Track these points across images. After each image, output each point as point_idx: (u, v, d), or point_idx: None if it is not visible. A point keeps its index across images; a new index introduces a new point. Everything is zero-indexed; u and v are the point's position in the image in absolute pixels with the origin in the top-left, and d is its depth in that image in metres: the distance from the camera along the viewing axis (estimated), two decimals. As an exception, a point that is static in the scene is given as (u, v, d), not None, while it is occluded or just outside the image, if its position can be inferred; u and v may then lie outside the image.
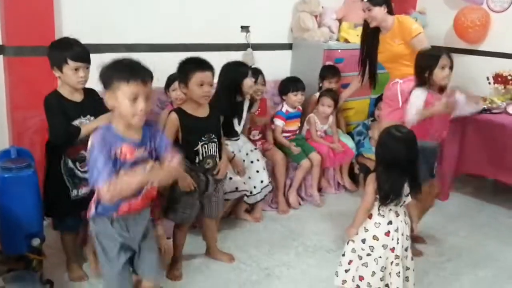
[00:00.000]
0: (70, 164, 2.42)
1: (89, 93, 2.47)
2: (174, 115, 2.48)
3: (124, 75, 1.75)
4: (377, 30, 3.46)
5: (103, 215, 1.90)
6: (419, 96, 2.88)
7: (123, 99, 1.76)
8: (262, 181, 3.27)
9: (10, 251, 2.34)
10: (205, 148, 2.51)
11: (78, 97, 2.42)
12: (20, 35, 2.87)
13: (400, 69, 3.39)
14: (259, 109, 3.58)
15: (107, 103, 1.82)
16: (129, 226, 1.93)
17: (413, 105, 2.88)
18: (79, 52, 2.35)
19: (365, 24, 3.53)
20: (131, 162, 1.81)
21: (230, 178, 3.01)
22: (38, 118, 2.90)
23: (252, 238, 3.19)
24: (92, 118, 2.42)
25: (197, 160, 2.51)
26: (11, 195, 2.24)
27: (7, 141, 3.03)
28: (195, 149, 2.49)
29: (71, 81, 2.36)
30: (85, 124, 2.38)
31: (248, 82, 3.09)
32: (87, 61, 2.37)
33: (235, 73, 3.06)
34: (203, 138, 2.50)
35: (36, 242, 2.32)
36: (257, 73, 3.48)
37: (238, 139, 3.21)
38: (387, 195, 2.20)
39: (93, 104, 2.42)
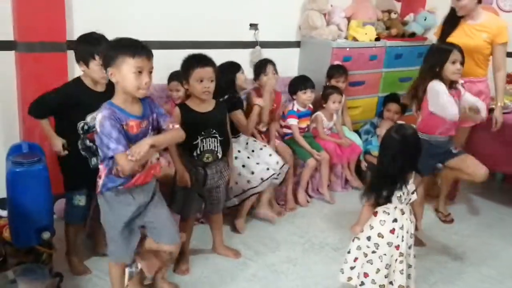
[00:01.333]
0: (88, 143, 2.46)
1: (110, 85, 2.49)
2: (177, 110, 2.55)
3: (130, 50, 1.87)
4: (459, 18, 3.40)
5: (111, 188, 2.02)
6: (440, 88, 2.86)
7: (129, 72, 1.87)
8: (277, 162, 3.26)
9: (20, 244, 2.38)
10: (204, 143, 2.54)
11: (100, 88, 2.47)
12: (32, 31, 2.91)
13: (469, 64, 3.21)
14: (275, 104, 3.60)
15: (111, 79, 1.93)
16: (135, 195, 2.07)
17: (444, 98, 2.84)
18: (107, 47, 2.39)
19: (451, 13, 3.46)
20: (136, 134, 1.96)
21: (236, 183, 3.03)
22: (49, 114, 2.95)
23: (258, 235, 3.21)
24: None
25: (195, 154, 2.55)
26: (22, 189, 2.28)
27: (18, 136, 3.07)
28: (194, 142, 2.52)
29: (96, 76, 2.41)
30: None
31: (241, 76, 3.20)
32: None
33: (227, 71, 3.14)
34: (202, 133, 2.53)
35: (46, 235, 2.36)
36: (267, 63, 3.51)
37: (239, 136, 3.26)
38: (391, 193, 2.22)
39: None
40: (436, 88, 2.88)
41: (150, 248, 2.27)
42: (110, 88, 2.48)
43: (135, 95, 1.93)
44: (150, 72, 1.93)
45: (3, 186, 2.32)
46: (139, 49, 1.89)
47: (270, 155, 3.29)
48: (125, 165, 1.90)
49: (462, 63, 2.91)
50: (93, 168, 2.47)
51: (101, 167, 2.04)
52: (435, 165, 3.14)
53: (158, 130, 2.10)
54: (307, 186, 3.80)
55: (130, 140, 1.94)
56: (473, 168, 3.04)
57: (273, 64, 3.53)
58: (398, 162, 2.21)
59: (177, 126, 2.11)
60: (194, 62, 2.48)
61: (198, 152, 2.55)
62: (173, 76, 3.30)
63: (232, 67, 3.24)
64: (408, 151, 2.23)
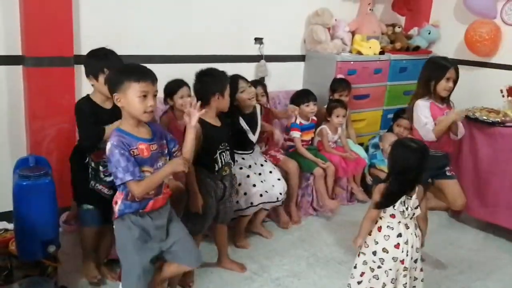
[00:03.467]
0: (94, 165, 2.50)
1: None
2: (198, 126, 2.50)
3: (135, 76, 1.92)
4: None
5: (127, 213, 2.03)
6: (422, 109, 2.96)
7: (134, 97, 1.92)
8: (280, 193, 3.26)
9: (26, 257, 2.39)
10: (223, 156, 2.59)
11: (108, 105, 2.50)
12: (39, 46, 2.95)
13: None
14: (263, 118, 3.60)
15: (117, 104, 1.98)
16: (154, 219, 2.08)
17: (423, 119, 2.95)
18: (116, 62, 2.44)
19: None
20: (148, 158, 1.99)
21: (245, 194, 3.05)
22: (55, 127, 2.99)
23: (263, 249, 3.20)
24: None
25: (216, 168, 2.58)
26: (29, 203, 2.29)
27: (25, 149, 3.10)
28: (214, 157, 2.56)
29: (105, 90, 2.40)
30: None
31: (241, 96, 3.11)
32: None
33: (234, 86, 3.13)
34: (220, 147, 2.58)
35: (52, 248, 2.37)
36: (255, 84, 3.50)
37: (252, 151, 3.27)
38: (394, 200, 2.24)
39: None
40: (418, 108, 3.03)
41: (170, 275, 2.29)
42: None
43: (140, 118, 1.97)
44: (155, 96, 1.98)
45: (10, 200, 2.33)
46: (143, 74, 1.95)
47: (279, 179, 3.27)
48: (135, 191, 1.95)
49: (455, 82, 2.98)
50: (92, 188, 2.51)
51: (117, 192, 2.06)
52: (427, 177, 3.15)
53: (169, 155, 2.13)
54: (312, 199, 3.79)
55: (143, 163, 1.98)
56: (453, 196, 3.14)
57: (262, 84, 3.62)
58: (411, 174, 2.23)
59: (179, 154, 2.14)
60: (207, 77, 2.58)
61: (220, 165, 2.59)
62: (178, 86, 3.16)
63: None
64: (423, 163, 2.25)
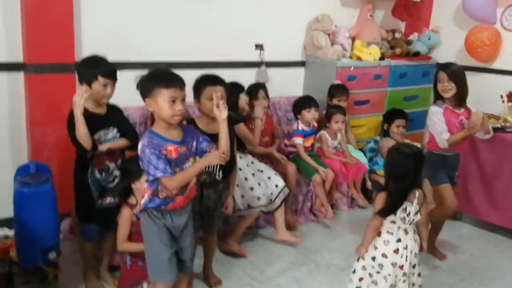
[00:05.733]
0: (97, 174, 2.53)
1: (113, 107, 2.62)
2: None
3: (164, 81, 2.01)
4: None
5: (153, 208, 2.10)
6: (436, 116, 3.03)
7: (164, 102, 2.00)
8: (277, 185, 3.25)
9: (26, 264, 2.39)
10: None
11: (101, 110, 2.54)
12: (41, 53, 2.96)
13: None
14: (265, 124, 3.62)
15: (149, 108, 2.06)
16: (174, 217, 2.14)
17: (438, 128, 3.01)
18: (108, 69, 2.48)
19: None
20: (175, 159, 2.05)
21: (243, 196, 3.05)
22: (56, 134, 2.99)
23: (264, 255, 3.20)
24: (115, 129, 2.56)
25: None
26: (29, 209, 2.30)
27: (26, 156, 3.10)
28: None
29: (98, 96, 2.48)
30: (109, 135, 2.53)
31: (243, 97, 3.28)
32: (115, 77, 2.51)
33: (230, 90, 3.15)
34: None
35: (52, 255, 2.37)
36: (257, 87, 3.57)
37: (245, 152, 3.28)
38: (395, 208, 2.24)
39: (116, 117, 2.59)
40: (432, 115, 3.06)
41: None
42: (112, 111, 2.58)
43: (170, 122, 2.05)
44: (183, 100, 2.05)
45: (11, 206, 2.34)
46: (172, 80, 2.03)
47: (269, 177, 3.26)
48: (169, 186, 2.04)
49: (451, 79, 3.06)
50: (98, 207, 2.52)
51: (146, 186, 2.12)
52: (450, 175, 3.15)
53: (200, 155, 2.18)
54: (311, 205, 3.79)
55: (170, 164, 2.04)
56: (452, 199, 3.10)
57: (265, 89, 3.60)
58: (408, 178, 2.25)
59: (218, 149, 2.19)
60: (205, 81, 2.55)
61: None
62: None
63: (236, 87, 3.28)
64: (419, 167, 2.28)
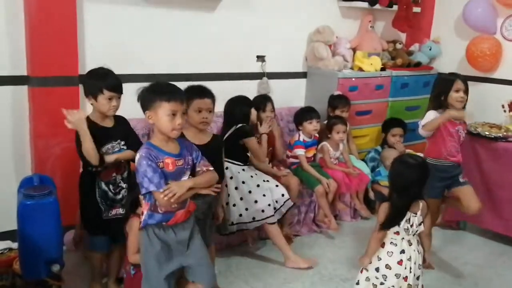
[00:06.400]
0: (104, 186, 2.54)
1: (119, 119, 2.63)
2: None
3: (165, 95, 2.01)
4: None
5: (152, 224, 2.08)
6: (430, 114, 3.06)
7: (163, 115, 2.01)
8: (283, 195, 3.25)
9: (30, 276, 2.39)
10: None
11: (108, 123, 2.56)
12: (45, 66, 2.98)
13: None
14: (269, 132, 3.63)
15: (149, 121, 2.07)
16: (177, 233, 2.12)
17: (424, 120, 3.07)
18: (114, 82, 2.49)
19: None
20: (172, 172, 2.05)
21: (246, 209, 3.05)
22: (60, 147, 3.01)
23: (267, 266, 3.19)
24: (122, 142, 2.57)
25: None
26: (33, 222, 2.30)
27: (29, 168, 3.11)
28: None
29: (104, 109, 2.50)
30: (116, 148, 2.55)
31: (254, 111, 3.33)
32: (120, 91, 2.53)
33: (244, 102, 3.26)
34: None
35: (55, 267, 2.37)
36: (266, 99, 3.61)
37: (248, 165, 3.27)
38: (399, 219, 2.23)
39: (123, 129, 2.61)
40: (427, 115, 3.10)
41: None
42: (119, 123, 2.59)
43: (169, 135, 2.05)
44: (184, 114, 2.07)
45: (15, 219, 2.34)
46: (173, 94, 2.04)
47: (277, 185, 3.28)
48: (160, 201, 2.02)
49: (466, 92, 3.02)
50: (105, 219, 2.54)
51: (143, 202, 2.11)
52: (443, 189, 3.17)
53: (192, 170, 2.17)
54: (314, 216, 3.78)
55: (167, 177, 2.04)
56: (467, 201, 3.11)
57: (272, 101, 3.63)
58: (412, 189, 2.25)
59: (211, 168, 2.19)
60: (193, 93, 2.54)
61: None
62: None
63: (248, 100, 3.33)
64: (423, 178, 2.28)
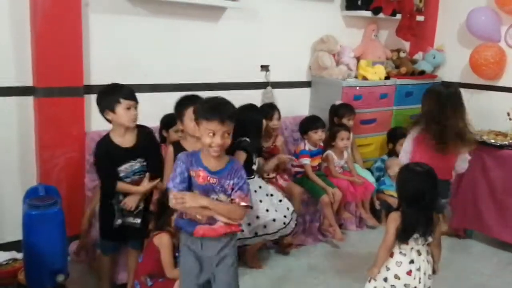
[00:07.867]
0: (121, 198, 2.53)
1: (142, 133, 2.57)
2: (171, 149, 2.62)
3: (206, 114, 2.00)
4: None
5: (182, 229, 2.12)
6: (408, 136, 3.11)
7: (204, 132, 2.01)
8: (288, 208, 3.20)
9: (34, 287, 2.39)
10: None
11: (129, 141, 2.52)
12: (50, 77, 2.99)
13: None
14: (273, 145, 3.63)
15: (196, 133, 2.09)
16: (204, 245, 2.10)
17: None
18: (129, 91, 2.49)
19: None
20: (201, 185, 2.05)
21: (249, 224, 3.00)
22: (65, 157, 3.02)
23: (273, 276, 3.17)
24: (142, 160, 2.55)
25: None
26: (38, 232, 2.31)
27: (35, 179, 3.12)
28: None
29: (124, 120, 2.46)
30: (135, 166, 2.54)
31: (265, 123, 3.32)
32: (136, 99, 2.51)
33: (258, 115, 3.25)
34: None
35: (60, 278, 2.37)
36: (273, 108, 3.62)
37: (253, 177, 3.24)
38: (412, 231, 2.20)
39: (145, 146, 2.55)
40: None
41: None
42: (140, 143, 2.54)
43: (207, 151, 2.04)
44: (227, 134, 2.02)
45: (20, 229, 2.34)
46: (213, 114, 1.98)
47: (280, 200, 3.22)
48: (170, 201, 2.03)
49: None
50: (116, 226, 2.54)
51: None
52: (440, 202, 3.09)
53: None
54: (319, 225, 3.76)
55: (195, 187, 2.06)
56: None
57: (278, 110, 3.63)
58: (423, 200, 2.22)
59: (243, 204, 2.07)
60: (187, 101, 2.56)
61: None
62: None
63: (261, 111, 3.35)
64: (432, 187, 2.25)
